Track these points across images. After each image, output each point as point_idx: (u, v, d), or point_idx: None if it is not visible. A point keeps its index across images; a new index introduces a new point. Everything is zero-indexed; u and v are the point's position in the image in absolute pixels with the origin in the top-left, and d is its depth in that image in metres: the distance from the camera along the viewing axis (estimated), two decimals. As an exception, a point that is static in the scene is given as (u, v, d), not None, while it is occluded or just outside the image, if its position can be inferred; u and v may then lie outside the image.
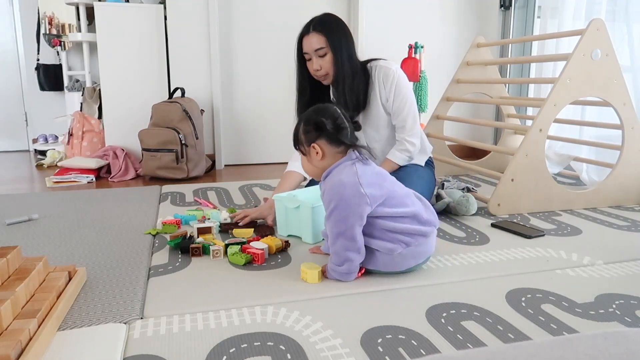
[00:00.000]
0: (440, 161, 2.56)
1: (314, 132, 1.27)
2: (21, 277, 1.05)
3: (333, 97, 1.85)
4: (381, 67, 1.79)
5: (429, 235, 1.29)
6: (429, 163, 1.98)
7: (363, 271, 1.29)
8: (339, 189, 1.22)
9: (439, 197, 1.94)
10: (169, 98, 2.88)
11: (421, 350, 0.94)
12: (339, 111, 1.28)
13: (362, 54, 1.83)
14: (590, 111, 2.46)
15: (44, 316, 0.99)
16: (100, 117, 3.07)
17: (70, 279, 1.19)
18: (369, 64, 1.82)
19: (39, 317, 0.97)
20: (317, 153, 1.28)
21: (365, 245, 1.26)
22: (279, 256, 1.45)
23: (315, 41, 1.69)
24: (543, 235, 1.67)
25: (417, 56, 2.85)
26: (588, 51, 1.91)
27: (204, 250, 1.46)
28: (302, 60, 1.77)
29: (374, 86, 1.80)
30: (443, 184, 2.07)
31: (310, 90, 1.82)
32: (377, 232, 1.26)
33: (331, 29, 1.70)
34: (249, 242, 1.49)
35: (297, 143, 1.32)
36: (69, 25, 3.23)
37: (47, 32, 3.24)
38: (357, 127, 1.31)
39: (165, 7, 2.93)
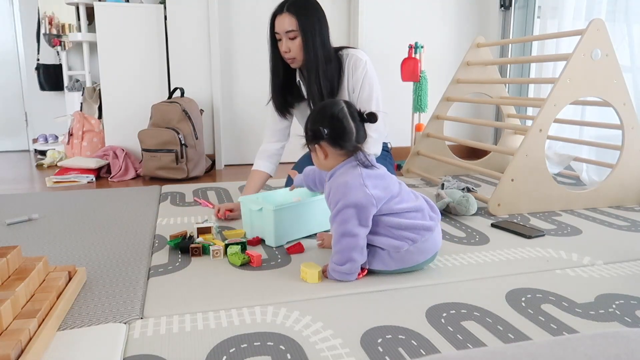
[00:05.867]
0: (440, 161, 2.56)
1: (316, 135, 1.25)
2: (21, 277, 1.05)
3: (299, 80, 1.78)
4: (352, 56, 1.74)
5: (434, 230, 1.29)
6: (385, 149, 1.91)
7: (365, 272, 1.28)
8: (345, 190, 1.22)
9: (439, 197, 1.94)
10: (168, 98, 2.88)
11: (421, 350, 0.94)
12: (346, 110, 1.23)
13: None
14: (590, 111, 2.46)
15: (44, 316, 0.99)
16: (100, 117, 3.07)
17: (70, 279, 1.19)
18: (340, 52, 1.76)
19: (39, 317, 0.97)
20: (321, 153, 1.28)
21: (370, 245, 1.27)
22: (279, 256, 1.45)
23: (286, 22, 1.63)
24: (543, 235, 1.67)
25: (417, 56, 2.84)
26: (588, 51, 1.91)
27: (204, 250, 1.46)
28: (274, 39, 1.70)
29: (343, 74, 1.74)
30: (443, 184, 2.07)
31: (283, 72, 1.75)
32: (382, 230, 1.26)
33: (305, 12, 1.63)
34: (248, 243, 1.48)
35: (305, 138, 1.31)
36: (69, 25, 3.23)
37: (47, 32, 3.24)
38: (373, 118, 1.24)
39: (165, 7, 2.93)
